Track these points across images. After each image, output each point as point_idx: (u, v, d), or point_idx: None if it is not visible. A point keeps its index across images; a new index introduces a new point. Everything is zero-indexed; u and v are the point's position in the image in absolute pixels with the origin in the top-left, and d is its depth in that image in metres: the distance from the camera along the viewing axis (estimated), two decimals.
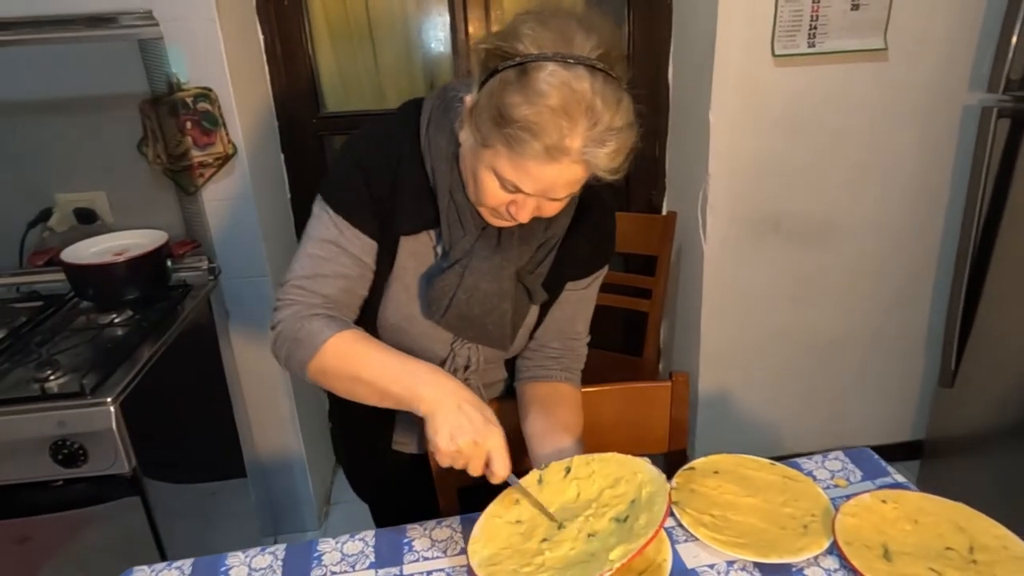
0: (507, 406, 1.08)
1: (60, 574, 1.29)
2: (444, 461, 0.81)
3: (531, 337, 1.07)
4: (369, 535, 0.93)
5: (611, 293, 2.06)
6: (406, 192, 0.91)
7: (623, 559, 0.73)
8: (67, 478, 1.18)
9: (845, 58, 1.78)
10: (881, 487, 0.97)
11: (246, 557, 0.90)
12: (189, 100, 1.62)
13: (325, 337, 0.88)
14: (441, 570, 0.86)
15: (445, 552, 0.89)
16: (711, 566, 0.85)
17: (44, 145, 1.64)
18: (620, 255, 2.27)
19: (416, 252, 0.95)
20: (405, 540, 0.92)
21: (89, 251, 1.55)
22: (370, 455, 1.15)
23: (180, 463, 1.50)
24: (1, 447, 1.16)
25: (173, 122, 1.63)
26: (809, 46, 1.76)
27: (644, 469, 0.87)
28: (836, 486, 0.99)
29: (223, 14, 1.61)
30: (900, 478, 1.00)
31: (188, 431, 1.57)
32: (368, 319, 0.99)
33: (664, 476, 0.85)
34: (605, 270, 1.07)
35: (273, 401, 1.95)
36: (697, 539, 0.88)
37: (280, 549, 0.91)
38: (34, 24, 1.52)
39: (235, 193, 1.74)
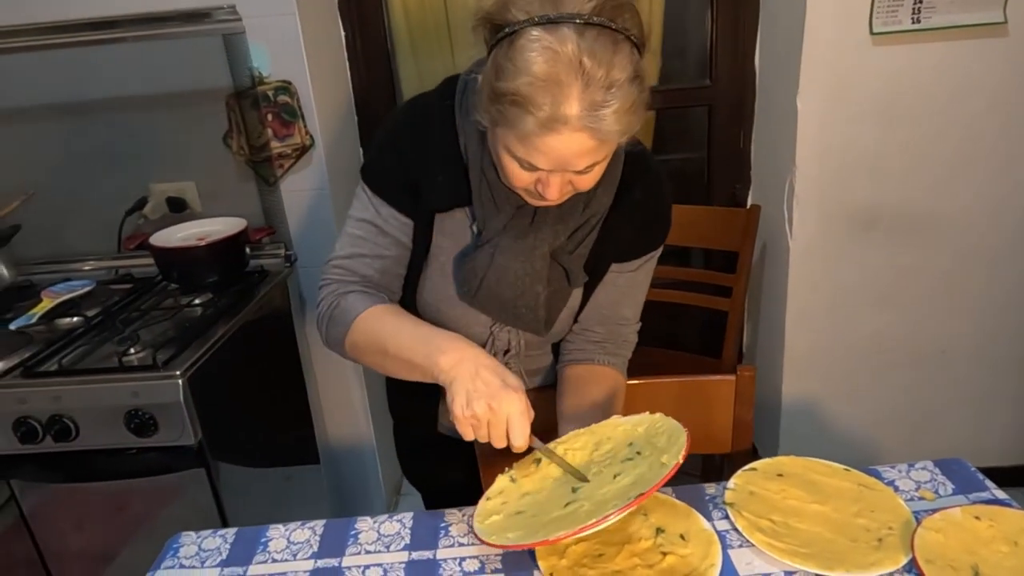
0: (548, 394, 1.04)
1: (133, 536, 1.36)
2: (464, 431, 0.78)
3: (575, 321, 1.02)
4: (407, 517, 0.91)
5: (689, 291, 1.97)
6: (440, 168, 0.89)
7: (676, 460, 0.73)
8: (140, 447, 1.25)
9: (955, 34, 1.61)
10: (976, 503, 0.85)
11: (286, 531, 0.91)
12: (270, 93, 1.69)
13: (357, 312, 0.88)
14: (475, 557, 0.83)
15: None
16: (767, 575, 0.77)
17: (140, 138, 1.75)
18: (700, 251, 2.16)
19: (452, 231, 0.93)
20: (442, 524, 0.89)
21: (176, 236, 1.64)
22: (417, 439, 1.14)
23: (253, 445, 1.55)
24: (84, 413, 1.24)
25: (255, 115, 1.70)
26: (913, 22, 1.60)
27: (652, 418, 0.86)
28: (921, 498, 0.88)
29: (303, 9, 1.66)
30: (1001, 494, 0.88)
31: (260, 412, 1.62)
32: (409, 299, 0.98)
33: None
34: (656, 254, 1.00)
35: (346, 389, 1.99)
36: (752, 544, 0.80)
37: (319, 525, 0.91)
38: (135, 21, 1.63)
39: (312, 185, 1.79)
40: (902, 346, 1.91)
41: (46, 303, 1.52)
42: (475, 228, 0.92)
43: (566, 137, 0.71)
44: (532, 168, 0.76)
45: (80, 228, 1.84)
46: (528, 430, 0.78)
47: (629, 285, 1.00)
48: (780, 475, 0.91)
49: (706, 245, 2.06)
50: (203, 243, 1.58)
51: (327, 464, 2.00)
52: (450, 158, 0.88)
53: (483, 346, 0.99)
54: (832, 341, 1.91)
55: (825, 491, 0.88)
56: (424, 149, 0.89)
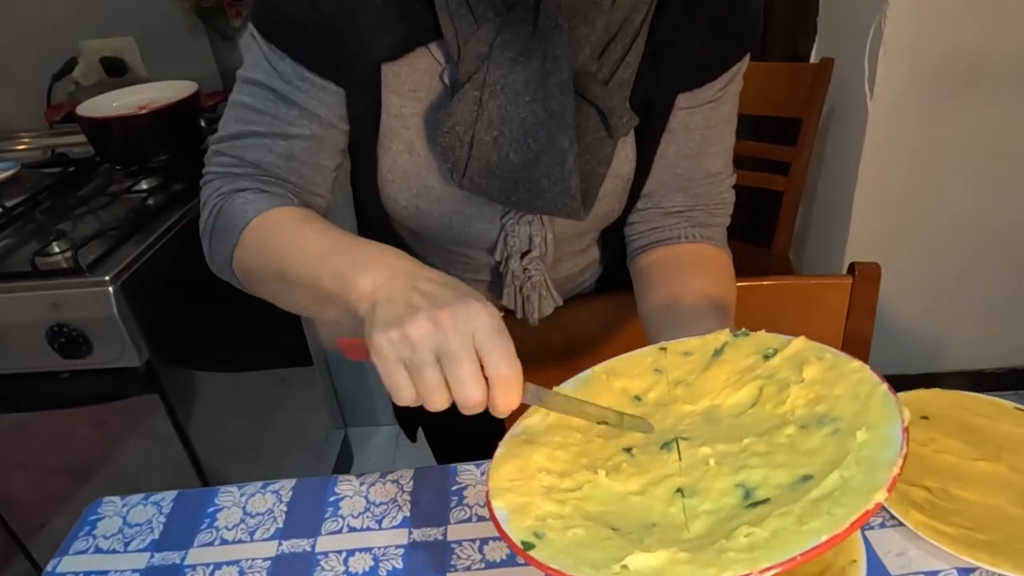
0: (600, 303, 0.76)
1: (91, 476, 1.15)
2: (394, 382, 0.43)
3: (632, 194, 0.70)
4: (406, 476, 0.67)
5: (736, 167, 1.65)
6: None
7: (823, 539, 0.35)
8: (71, 370, 1.00)
9: None
10: None
11: (241, 496, 0.67)
12: None
13: (246, 219, 0.58)
14: (499, 539, 0.59)
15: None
16: (931, 575, 0.53)
17: None
18: (749, 118, 1.81)
19: (414, 87, 0.62)
20: (455, 488, 0.65)
21: (110, 105, 1.31)
22: None
23: (220, 357, 1.31)
24: None
25: None
26: None
27: (838, 361, 0.48)
28: None
29: None
30: None
31: (229, 318, 1.37)
32: (370, 211, 0.68)
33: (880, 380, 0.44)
34: (744, 66, 0.67)
35: None
36: (903, 525, 0.55)
37: (287, 488, 0.67)
38: None
39: None
40: (992, 234, 1.62)
41: None
42: (447, 75, 0.61)
43: None
44: None
45: (3, 97, 1.52)
46: (513, 354, 0.43)
47: (710, 123, 0.68)
48: (925, 418, 0.65)
49: (758, 111, 1.71)
50: (144, 111, 1.26)
51: (321, 367, 1.79)
52: None
53: (491, 249, 0.70)
54: (907, 227, 1.62)
55: (993, 440, 0.62)
56: None
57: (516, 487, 0.45)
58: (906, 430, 0.39)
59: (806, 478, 0.40)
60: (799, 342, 0.51)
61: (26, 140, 1.55)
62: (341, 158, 0.66)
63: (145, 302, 1.00)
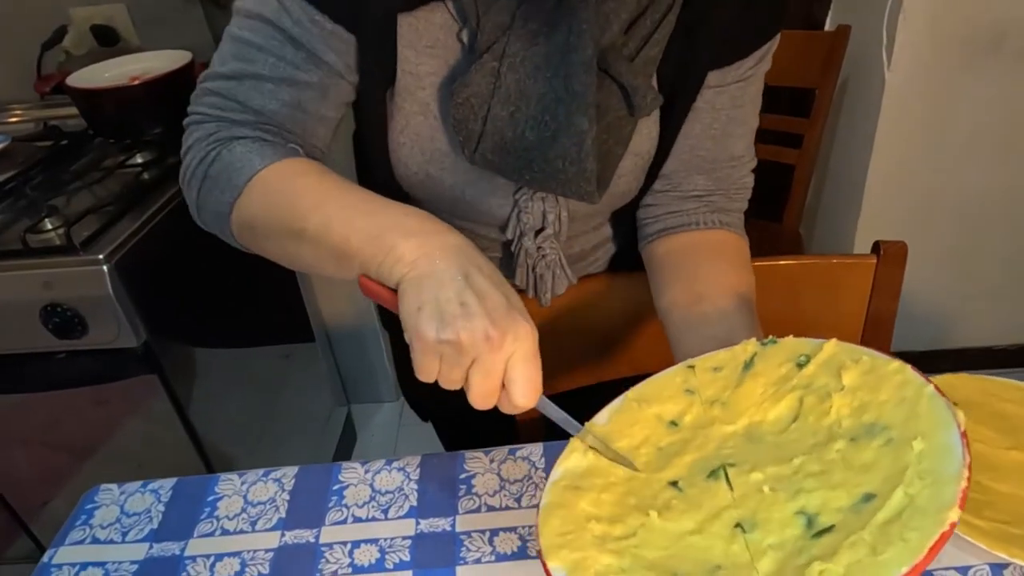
0: (615, 282, 0.73)
1: (91, 454, 1.13)
2: (424, 365, 0.43)
3: (651, 173, 0.67)
4: (412, 464, 0.65)
5: None
6: None
7: None
8: (67, 350, 0.97)
9: None
10: None
11: (243, 484, 0.65)
12: None
13: (254, 169, 0.53)
14: (511, 530, 0.57)
15: (519, 500, 0.60)
16: (963, 571, 0.50)
17: None
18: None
19: (431, 43, 0.57)
20: (463, 476, 0.63)
21: (102, 75, 1.27)
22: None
23: (223, 335, 1.29)
24: None
25: None
26: None
27: (887, 366, 0.45)
28: None
29: None
30: None
31: (229, 296, 1.34)
32: (378, 175, 0.64)
33: (931, 385, 0.42)
34: (774, 44, 0.63)
35: None
36: None
37: (289, 476, 0.65)
38: None
39: None
40: (1009, 209, 1.58)
41: None
42: (465, 35, 0.57)
43: None
44: None
45: None
46: (539, 384, 0.44)
47: (737, 103, 0.64)
48: (953, 403, 0.62)
49: (770, 82, 1.65)
50: (137, 82, 1.21)
51: (323, 343, 1.77)
52: None
53: (503, 227, 0.67)
54: (922, 201, 1.58)
55: None
56: None
57: (568, 542, 0.43)
58: (964, 435, 0.36)
59: (868, 497, 0.38)
60: (831, 345, 0.48)
61: (17, 112, 1.50)
62: (344, 111, 0.62)
63: (141, 281, 0.97)
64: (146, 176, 1.13)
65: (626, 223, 0.74)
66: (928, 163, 1.53)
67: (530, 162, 0.56)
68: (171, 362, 1.05)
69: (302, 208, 0.50)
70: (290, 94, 0.57)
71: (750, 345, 0.52)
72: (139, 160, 1.19)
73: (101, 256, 0.92)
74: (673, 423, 0.51)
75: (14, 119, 1.50)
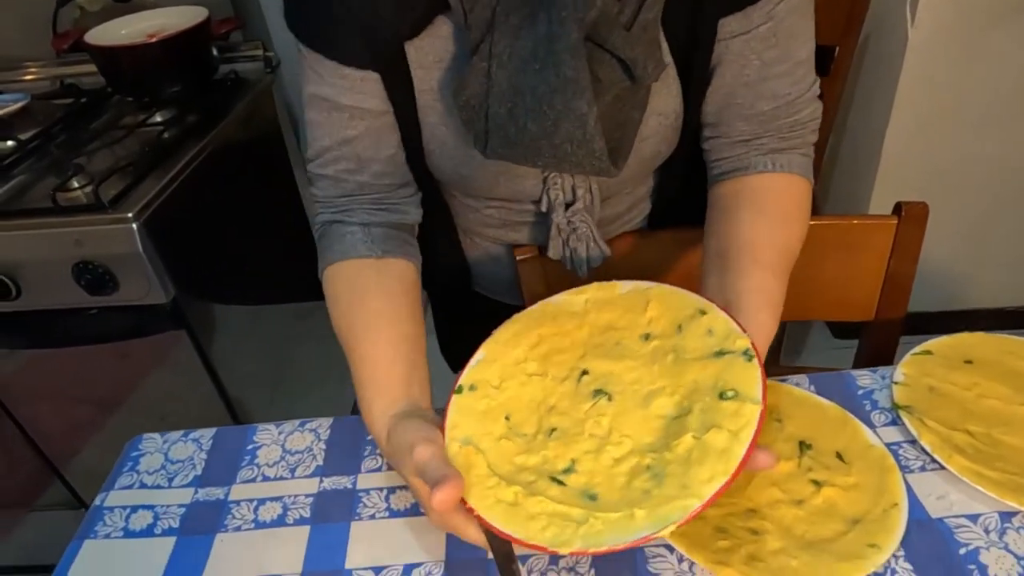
0: (637, 241, 0.74)
1: (119, 406, 1.17)
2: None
3: (687, 123, 0.66)
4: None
5: None
6: None
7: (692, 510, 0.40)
8: (99, 307, 1.00)
9: None
10: None
11: (280, 434, 0.68)
12: None
13: (326, 263, 0.66)
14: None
15: None
16: (972, 518, 0.53)
17: None
18: None
19: (438, 58, 0.60)
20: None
21: (120, 32, 1.27)
22: (451, 301, 0.88)
23: (248, 290, 1.31)
24: (22, 267, 0.98)
25: None
26: None
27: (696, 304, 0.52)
28: None
29: None
30: None
31: (252, 251, 1.36)
32: (420, 179, 0.70)
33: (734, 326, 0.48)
34: None
35: None
36: (945, 468, 0.55)
37: (324, 426, 0.68)
38: None
39: None
40: None
41: None
42: (464, 39, 0.58)
43: None
44: None
45: (6, 24, 1.46)
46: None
47: (771, 44, 0.60)
48: (969, 362, 0.64)
49: None
50: (154, 40, 1.21)
51: None
52: None
53: (536, 202, 0.69)
54: (940, 164, 1.57)
55: None
56: None
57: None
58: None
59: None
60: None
61: (33, 70, 1.50)
62: (398, 137, 0.66)
63: (168, 239, 0.99)
64: (167, 135, 1.14)
65: (664, 180, 0.75)
66: (949, 124, 1.51)
67: (539, 150, 0.57)
68: (197, 318, 1.08)
69: (342, 327, 0.62)
70: (350, 150, 0.64)
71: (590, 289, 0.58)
72: (159, 119, 1.20)
73: (130, 215, 0.93)
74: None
75: (30, 76, 1.50)
